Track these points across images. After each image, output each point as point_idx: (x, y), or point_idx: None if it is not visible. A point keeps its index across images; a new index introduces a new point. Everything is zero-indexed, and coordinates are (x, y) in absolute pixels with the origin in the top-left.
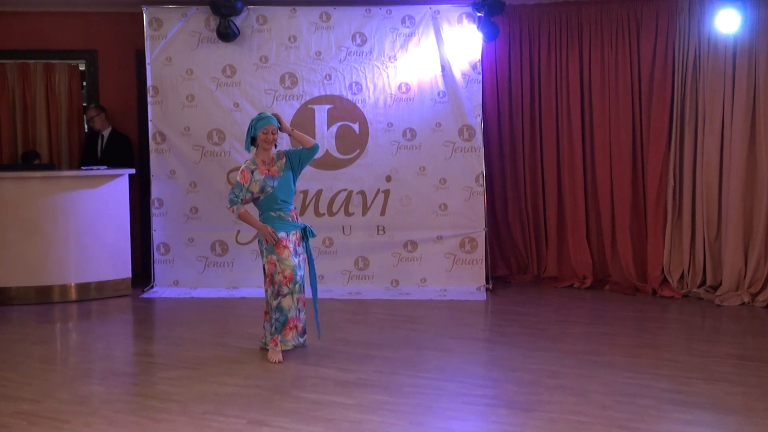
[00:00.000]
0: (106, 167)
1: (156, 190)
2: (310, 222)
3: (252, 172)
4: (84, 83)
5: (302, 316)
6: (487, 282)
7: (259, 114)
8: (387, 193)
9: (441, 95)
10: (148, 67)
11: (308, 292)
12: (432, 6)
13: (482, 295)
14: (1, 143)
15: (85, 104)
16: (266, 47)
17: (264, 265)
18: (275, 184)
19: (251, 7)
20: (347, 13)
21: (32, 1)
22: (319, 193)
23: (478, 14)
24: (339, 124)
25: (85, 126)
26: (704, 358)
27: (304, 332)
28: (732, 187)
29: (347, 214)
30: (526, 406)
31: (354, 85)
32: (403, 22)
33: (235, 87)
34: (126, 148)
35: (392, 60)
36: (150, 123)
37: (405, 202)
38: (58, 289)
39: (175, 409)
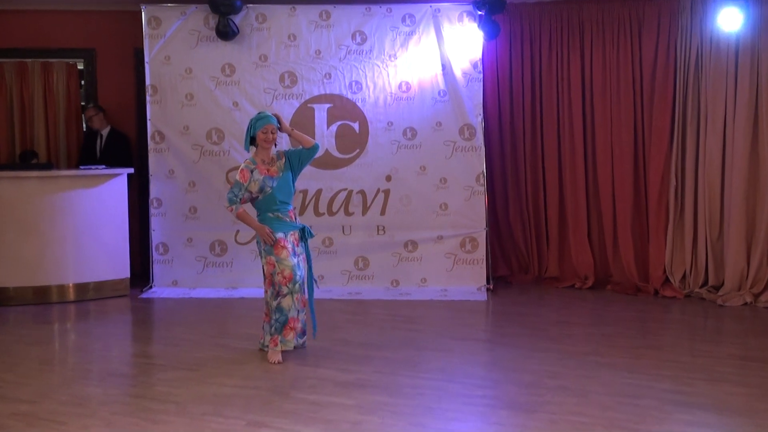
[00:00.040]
0: (104, 167)
1: (155, 190)
2: (310, 222)
3: (251, 172)
4: (82, 82)
5: (302, 317)
6: (487, 282)
7: (259, 113)
8: (387, 192)
9: (441, 94)
10: (146, 66)
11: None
12: (432, 4)
13: (483, 296)
14: None
15: (83, 103)
16: (265, 46)
17: (263, 267)
18: (274, 185)
19: (250, 5)
20: (347, 11)
21: None
22: (318, 192)
23: (479, 12)
24: (339, 123)
25: (84, 125)
26: (706, 358)
27: (303, 333)
28: (734, 187)
29: (347, 213)
30: (527, 407)
31: (354, 84)
32: (403, 20)
33: (235, 86)
34: (125, 148)
35: (392, 59)
36: (149, 122)
37: (405, 201)
38: (56, 289)
39: (173, 410)
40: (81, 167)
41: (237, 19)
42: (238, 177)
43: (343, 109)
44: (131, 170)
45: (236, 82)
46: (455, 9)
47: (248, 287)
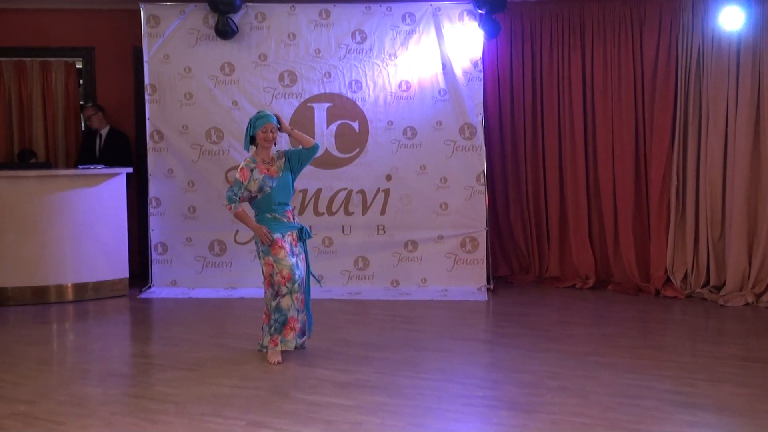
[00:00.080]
0: (103, 166)
1: (154, 189)
2: (310, 221)
3: (251, 171)
4: (81, 81)
5: (301, 317)
6: (488, 282)
7: (258, 112)
8: (387, 192)
9: (442, 93)
10: (145, 65)
11: None
12: (433, 3)
13: (483, 296)
14: None
15: (82, 102)
16: (265, 45)
17: (262, 268)
18: (274, 185)
19: (250, 4)
20: (347, 10)
21: None
22: (318, 192)
23: (480, 11)
24: (339, 122)
25: (83, 124)
26: (708, 359)
27: (303, 333)
28: (736, 186)
29: (347, 213)
30: (528, 407)
31: (354, 83)
32: (403, 19)
33: (234, 85)
34: (124, 147)
35: (392, 58)
36: (147, 121)
37: (405, 201)
38: (55, 289)
39: (172, 411)
40: (80, 167)
41: (236, 17)
42: (237, 175)
43: (343, 108)
44: (130, 170)
45: (235, 81)
46: (456, 8)
47: (247, 287)
